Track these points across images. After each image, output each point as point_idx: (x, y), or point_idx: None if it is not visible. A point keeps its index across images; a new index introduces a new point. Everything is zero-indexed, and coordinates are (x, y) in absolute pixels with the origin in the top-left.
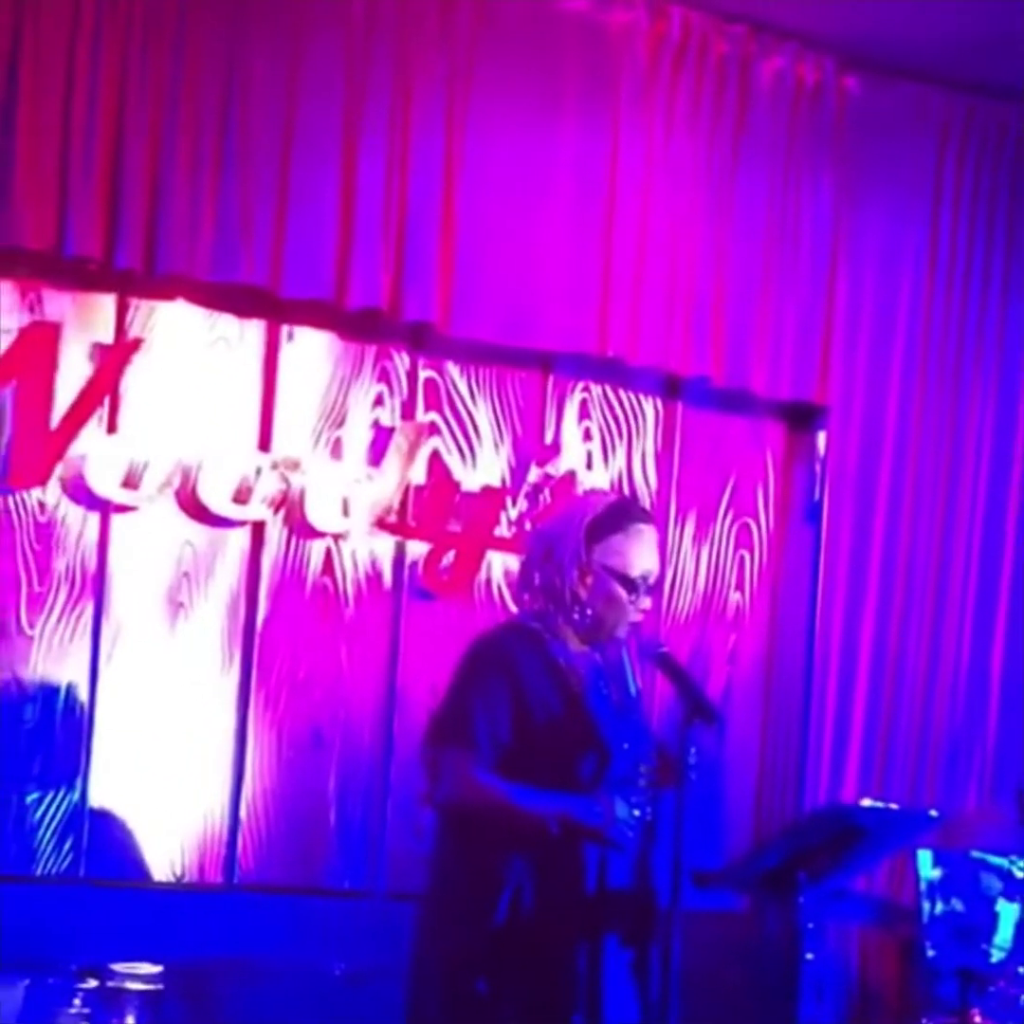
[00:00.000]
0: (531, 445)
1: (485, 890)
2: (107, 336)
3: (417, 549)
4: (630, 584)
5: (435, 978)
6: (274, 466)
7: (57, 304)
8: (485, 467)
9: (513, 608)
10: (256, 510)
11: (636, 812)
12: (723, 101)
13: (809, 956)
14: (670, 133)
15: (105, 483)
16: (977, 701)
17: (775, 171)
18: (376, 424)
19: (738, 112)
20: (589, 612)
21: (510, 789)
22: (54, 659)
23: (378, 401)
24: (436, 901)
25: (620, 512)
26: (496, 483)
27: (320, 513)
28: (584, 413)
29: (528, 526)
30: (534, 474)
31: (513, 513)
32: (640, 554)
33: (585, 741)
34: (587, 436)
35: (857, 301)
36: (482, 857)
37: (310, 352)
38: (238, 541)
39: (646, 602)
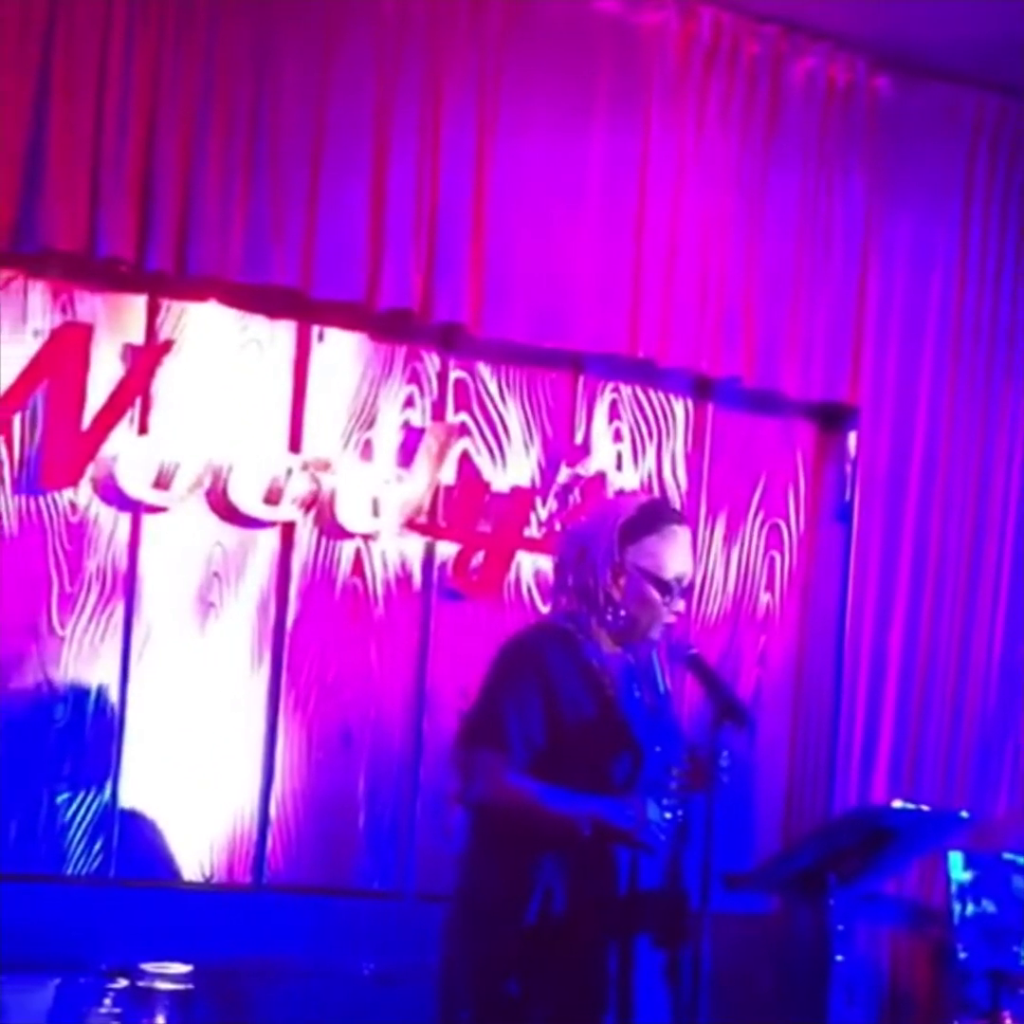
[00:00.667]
0: (561, 446)
1: (516, 891)
2: (138, 337)
3: (447, 550)
4: (664, 586)
5: (465, 979)
6: (304, 467)
7: (89, 305)
8: (515, 468)
9: (544, 609)
10: (286, 511)
11: (668, 814)
12: (754, 101)
13: (839, 958)
14: (701, 133)
15: (136, 484)
16: (1008, 702)
17: (806, 172)
18: (406, 425)
19: (769, 112)
20: (623, 614)
21: (542, 790)
22: (85, 659)
23: (408, 402)
24: (467, 902)
25: (654, 513)
26: (526, 484)
27: (350, 514)
28: (614, 414)
29: (558, 527)
30: (564, 475)
31: (543, 514)
32: (674, 556)
33: (617, 743)
34: (617, 437)
35: (888, 301)
36: (513, 858)
37: (341, 353)
38: (268, 542)
39: (680, 604)
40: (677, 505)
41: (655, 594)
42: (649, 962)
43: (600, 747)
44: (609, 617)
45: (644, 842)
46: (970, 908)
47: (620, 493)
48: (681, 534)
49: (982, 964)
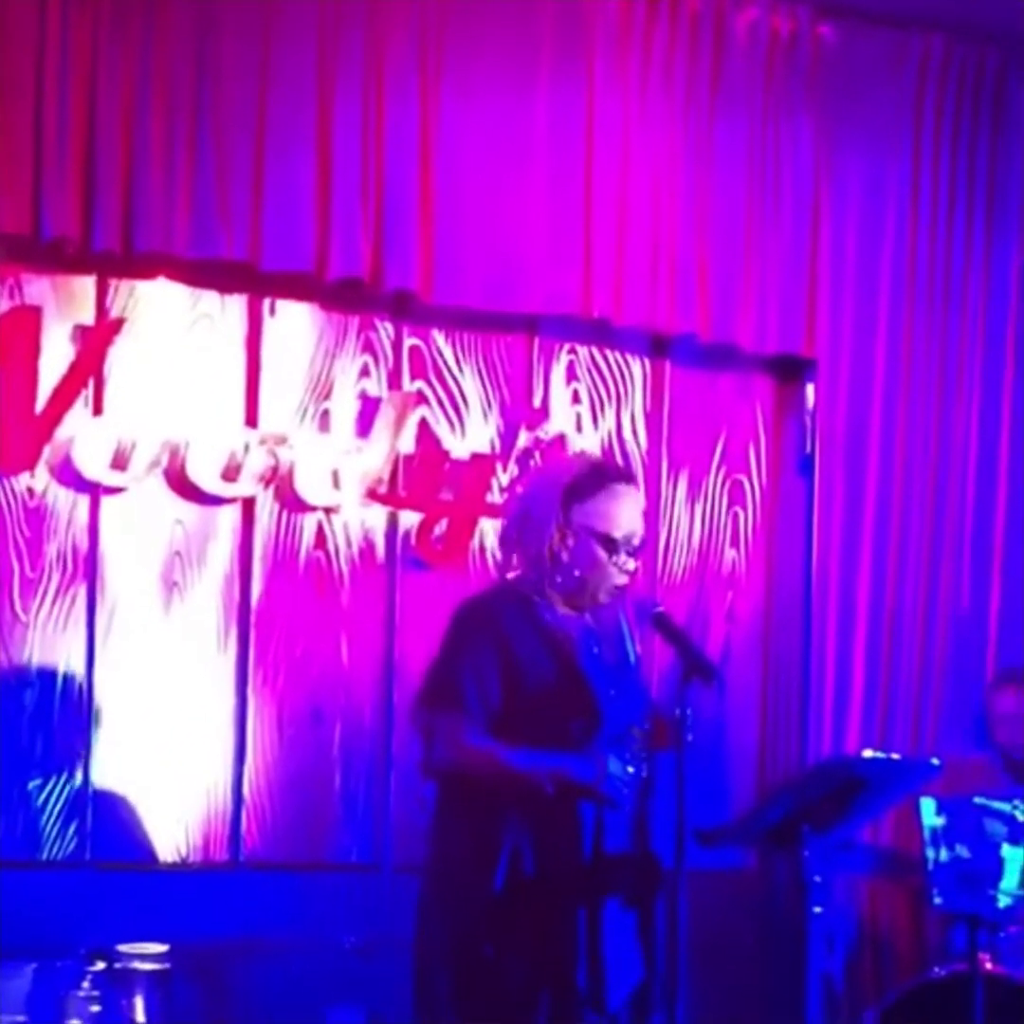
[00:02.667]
0: (519, 410)
1: (483, 854)
2: (89, 318)
3: (409, 519)
4: (612, 545)
5: (441, 946)
6: (262, 441)
7: (37, 288)
8: (474, 434)
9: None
10: (246, 486)
11: (630, 768)
12: (698, 54)
13: (818, 909)
14: (646, 89)
15: (93, 465)
16: (976, 649)
17: (753, 123)
18: (363, 395)
19: (713, 65)
20: (573, 574)
21: (502, 750)
22: (50, 643)
23: (364, 372)
24: (437, 868)
25: (600, 473)
26: (486, 449)
27: (310, 487)
28: (571, 375)
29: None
30: (524, 439)
31: (504, 479)
32: (622, 515)
33: (575, 700)
34: (575, 398)
35: (841, 251)
36: (479, 821)
37: (293, 325)
38: (229, 518)
39: (631, 564)
40: (638, 465)
41: (603, 553)
42: (621, 921)
43: (559, 706)
44: (559, 579)
45: (607, 796)
46: (944, 853)
47: (569, 453)
48: (628, 492)
49: (959, 909)
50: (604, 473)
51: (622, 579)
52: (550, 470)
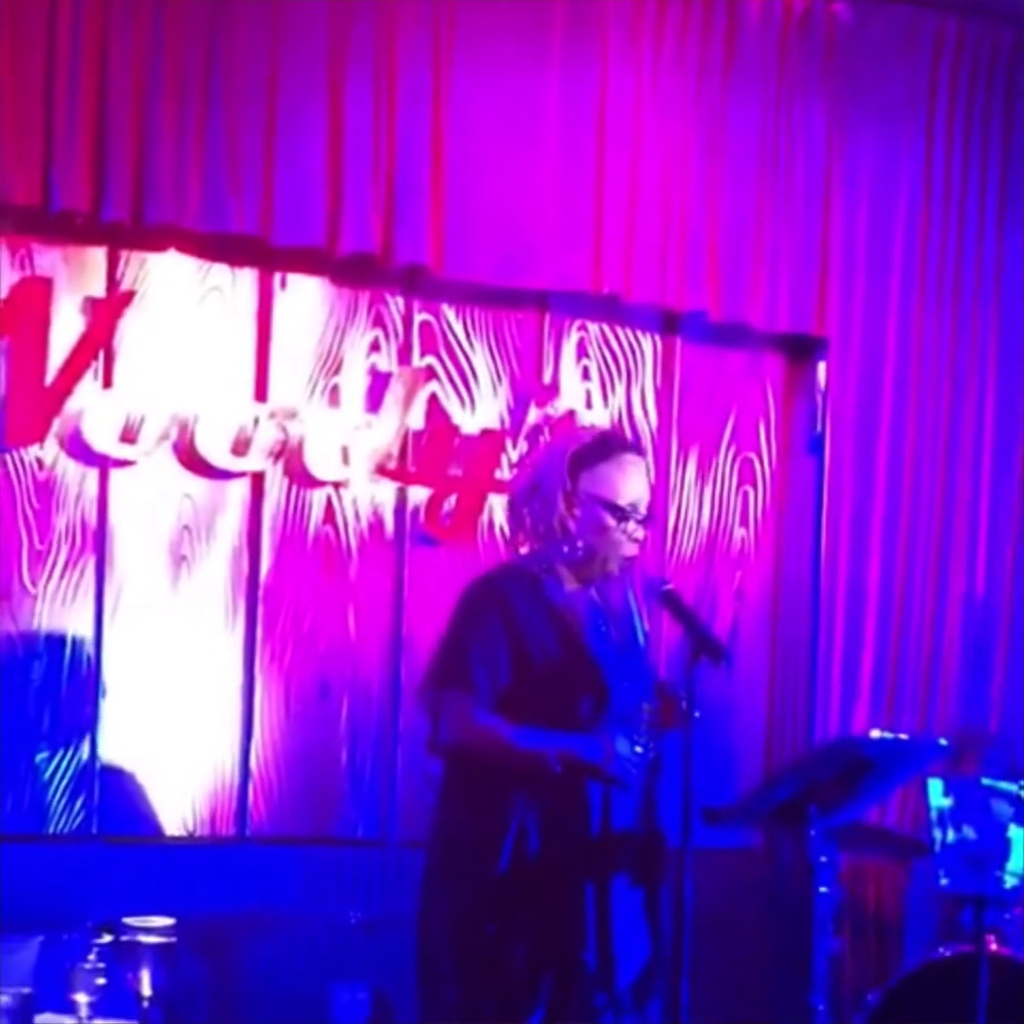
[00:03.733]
0: (529, 386)
1: (490, 832)
2: (99, 290)
3: (418, 495)
4: (619, 512)
5: (444, 922)
6: (272, 416)
7: (47, 259)
8: (484, 410)
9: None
10: (255, 461)
11: (638, 748)
12: (711, 33)
13: (823, 890)
14: (658, 67)
15: (102, 438)
16: (985, 628)
17: (766, 101)
18: (373, 370)
19: (726, 43)
20: (579, 544)
21: (510, 729)
22: (58, 616)
23: (374, 346)
24: (442, 845)
25: (605, 442)
26: (495, 425)
27: (319, 462)
28: (582, 352)
29: None
30: (533, 415)
31: (513, 455)
32: (627, 483)
33: (583, 679)
34: (585, 375)
35: (852, 229)
36: (485, 799)
37: (304, 299)
38: (238, 493)
39: (640, 533)
40: (648, 441)
41: (611, 520)
42: (628, 899)
43: (566, 684)
44: (566, 549)
45: (615, 776)
46: (951, 834)
47: (575, 427)
48: (634, 462)
49: (965, 890)
50: (610, 443)
51: (631, 548)
52: (557, 442)
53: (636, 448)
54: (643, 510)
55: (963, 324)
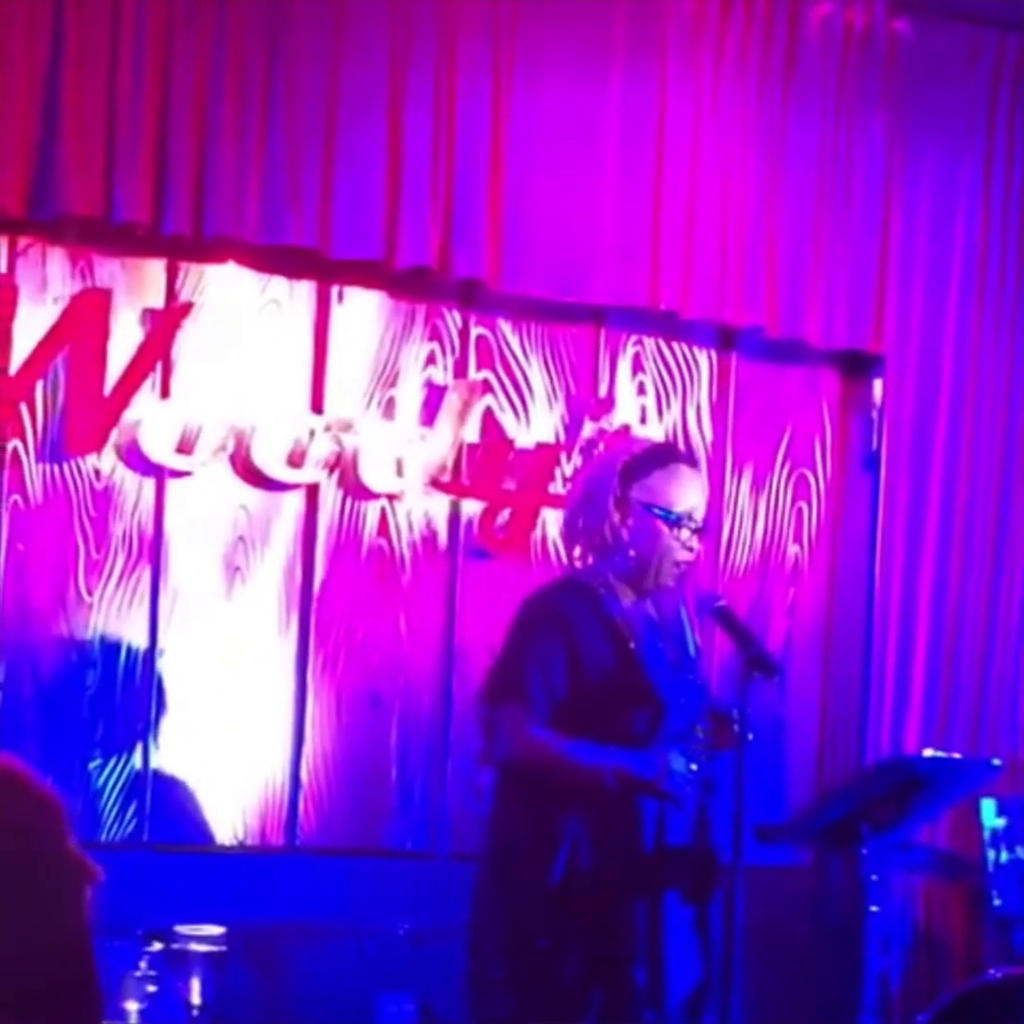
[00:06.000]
0: (585, 400)
1: (543, 846)
2: (158, 301)
3: (472, 508)
4: (673, 520)
5: (495, 936)
6: (327, 428)
7: (107, 270)
8: (539, 424)
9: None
10: (310, 473)
11: (693, 766)
12: (771, 48)
13: (874, 909)
14: (718, 82)
15: (159, 448)
16: None
17: (826, 118)
18: (428, 383)
19: (787, 59)
20: (632, 553)
21: (566, 744)
22: (113, 625)
23: (430, 360)
24: (495, 859)
25: (658, 453)
26: (550, 439)
27: (374, 474)
28: (638, 367)
29: None
30: (588, 429)
31: (568, 469)
32: (681, 491)
33: (639, 695)
34: (641, 390)
35: (911, 247)
36: (539, 813)
37: (361, 312)
38: (293, 504)
39: (695, 541)
40: (702, 457)
41: (664, 529)
42: (679, 916)
43: (622, 700)
44: (619, 560)
45: (669, 793)
46: (1004, 855)
47: (629, 439)
48: (688, 472)
49: (1018, 911)
50: (663, 453)
51: (685, 555)
52: (608, 454)
53: (690, 459)
54: (698, 519)
55: (1020, 342)
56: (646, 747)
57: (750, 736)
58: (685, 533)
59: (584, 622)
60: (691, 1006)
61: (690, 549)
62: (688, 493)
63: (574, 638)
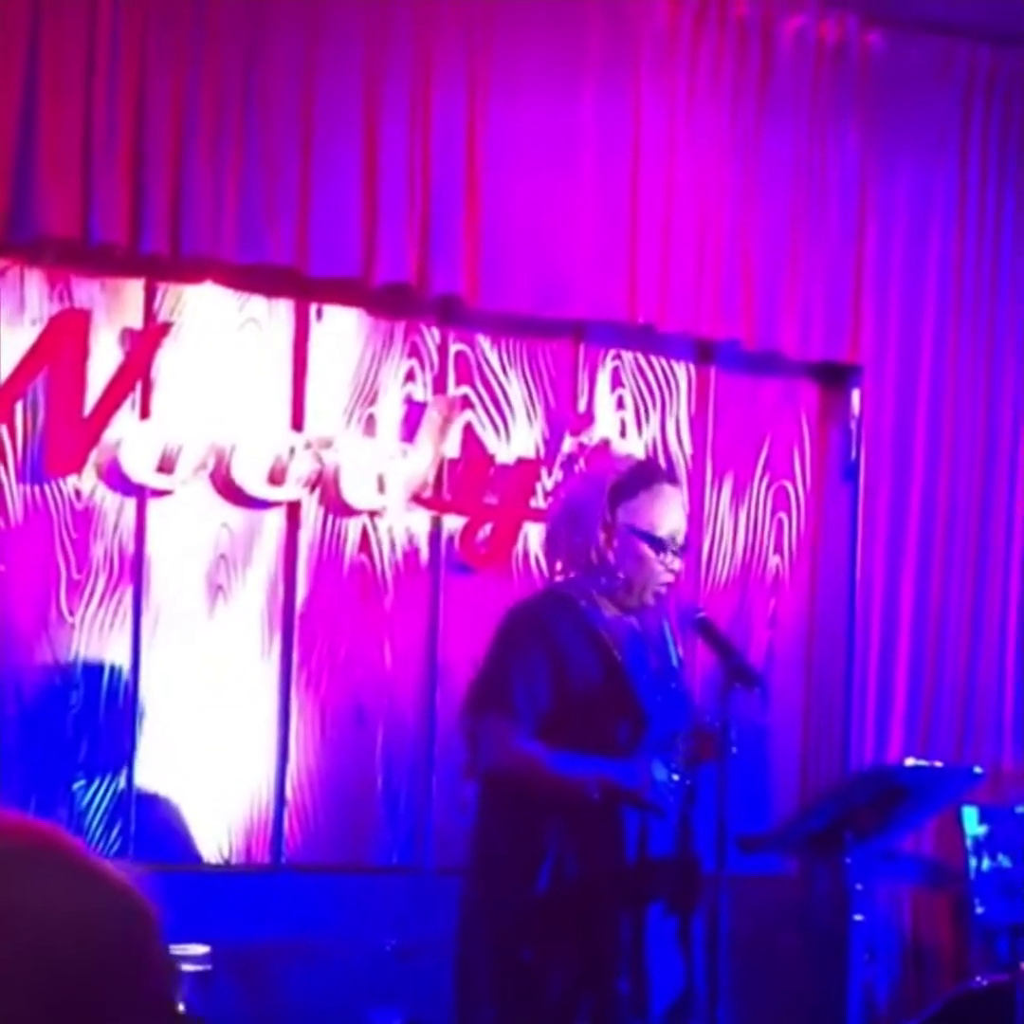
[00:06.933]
0: (564, 415)
1: (527, 858)
2: (136, 321)
3: (453, 523)
4: (658, 543)
5: (481, 948)
6: (308, 445)
7: (86, 291)
8: (519, 439)
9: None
10: (291, 490)
11: (675, 776)
12: (745, 62)
13: (859, 917)
14: (693, 95)
15: (140, 468)
16: (1020, 656)
17: (800, 131)
18: (408, 399)
19: (761, 72)
20: (619, 575)
21: (549, 754)
22: (96, 645)
23: (409, 376)
24: (479, 871)
25: (643, 473)
26: (530, 454)
27: (355, 491)
28: (616, 381)
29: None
30: (568, 444)
31: (548, 484)
32: (666, 514)
33: (623, 705)
34: (620, 404)
35: (886, 258)
36: (523, 825)
37: (340, 330)
38: (274, 522)
39: (677, 563)
40: (682, 470)
41: (649, 552)
42: (662, 927)
43: (605, 710)
44: (604, 579)
45: (652, 802)
46: (986, 863)
47: (611, 456)
48: (672, 492)
49: (1001, 918)
50: (648, 473)
51: (668, 577)
52: (595, 472)
53: (672, 477)
54: (681, 540)
55: (997, 352)
56: (628, 757)
57: (734, 749)
58: (668, 556)
59: (567, 632)
60: (675, 1015)
61: (672, 571)
62: (671, 515)
63: (557, 648)
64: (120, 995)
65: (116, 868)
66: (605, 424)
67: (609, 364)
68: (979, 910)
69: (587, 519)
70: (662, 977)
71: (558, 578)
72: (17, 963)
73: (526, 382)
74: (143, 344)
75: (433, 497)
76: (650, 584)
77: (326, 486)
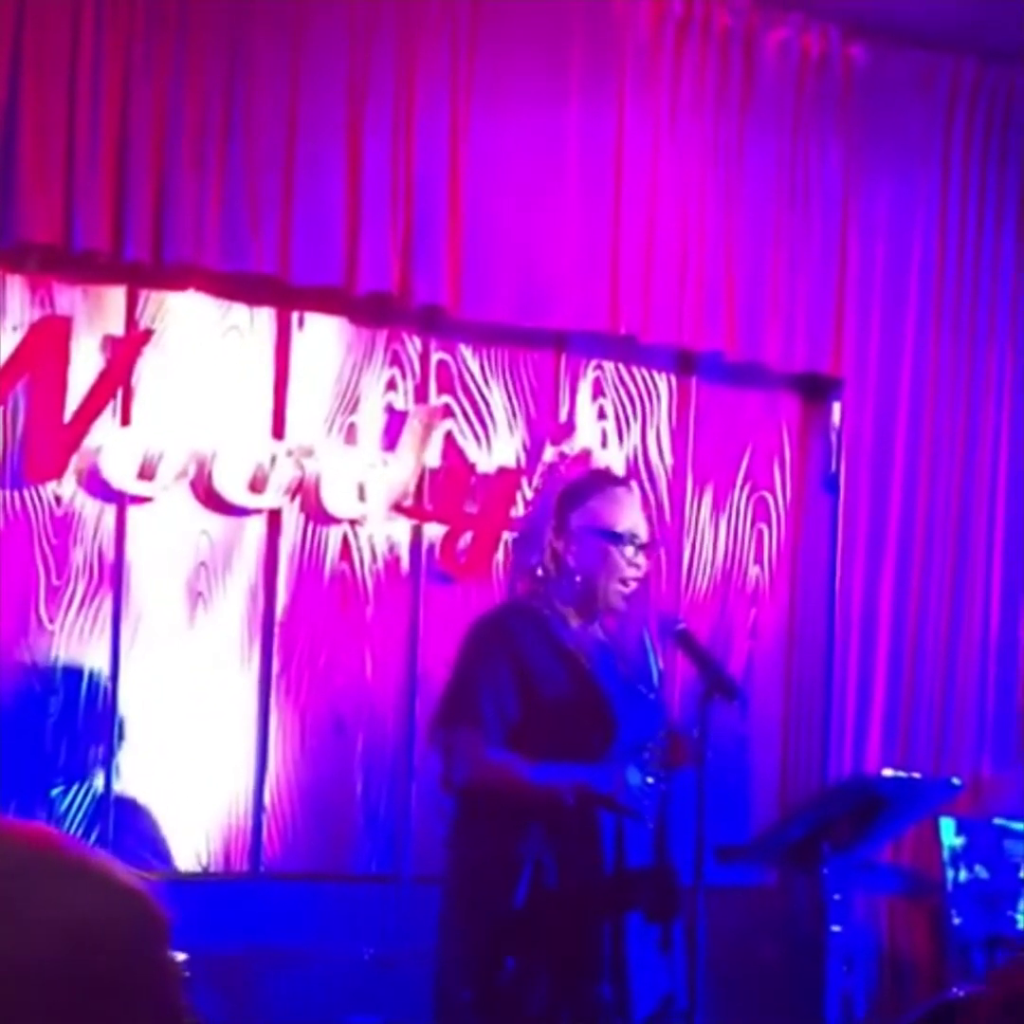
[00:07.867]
0: (545, 425)
1: (506, 867)
2: (118, 328)
3: (434, 532)
4: (616, 537)
5: (462, 958)
6: (289, 453)
7: (67, 297)
8: (500, 448)
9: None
10: (272, 498)
11: (649, 780)
12: (728, 74)
13: (836, 928)
14: (676, 107)
15: (120, 475)
16: (999, 668)
17: (782, 143)
18: (389, 408)
19: (743, 85)
20: (579, 579)
21: (522, 765)
22: (75, 651)
23: (391, 385)
24: (458, 882)
25: (595, 479)
26: (511, 464)
27: (336, 499)
28: (598, 391)
29: None
30: (549, 454)
31: (529, 494)
32: (621, 512)
33: (592, 712)
34: (601, 414)
35: (868, 271)
36: (500, 834)
37: (321, 338)
38: (255, 530)
39: (640, 558)
40: (663, 481)
41: (610, 548)
42: (644, 934)
43: (575, 718)
44: (566, 586)
45: (626, 806)
46: (963, 874)
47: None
48: (626, 495)
49: (978, 929)
50: (599, 479)
51: (633, 572)
52: (549, 488)
53: (624, 482)
54: (642, 535)
55: (978, 364)
56: (600, 762)
57: (702, 760)
58: (630, 550)
59: (532, 643)
60: (658, 1022)
61: (637, 566)
62: (627, 513)
63: (523, 657)
64: (132, 999)
65: (128, 872)
66: (586, 434)
67: (591, 374)
68: (956, 921)
69: (538, 533)
70: (644, 984)
71: (523, 591)
72: (30, 965)
73: (507, 392)
74: (125, 351)
75: (414, 506)
76: (613, 582)
77: (307, 494)
